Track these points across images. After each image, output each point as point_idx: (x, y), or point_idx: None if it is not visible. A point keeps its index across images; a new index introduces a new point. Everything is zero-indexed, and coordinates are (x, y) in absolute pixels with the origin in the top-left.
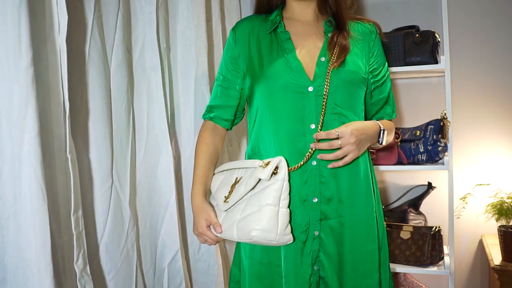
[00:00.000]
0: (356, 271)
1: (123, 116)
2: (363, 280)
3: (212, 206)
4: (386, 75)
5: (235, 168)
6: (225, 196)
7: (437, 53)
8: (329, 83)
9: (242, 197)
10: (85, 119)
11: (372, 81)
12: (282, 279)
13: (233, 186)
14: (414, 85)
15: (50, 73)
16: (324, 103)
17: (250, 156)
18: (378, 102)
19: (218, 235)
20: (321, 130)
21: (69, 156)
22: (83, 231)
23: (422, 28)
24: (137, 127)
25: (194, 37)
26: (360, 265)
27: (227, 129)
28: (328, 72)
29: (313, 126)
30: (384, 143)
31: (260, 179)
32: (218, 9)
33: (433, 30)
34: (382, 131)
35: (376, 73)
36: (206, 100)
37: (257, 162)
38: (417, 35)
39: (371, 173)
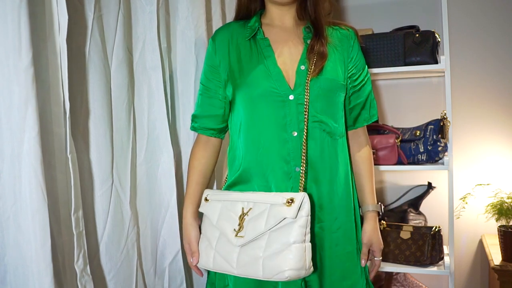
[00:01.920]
0: (335, 273)
1: (124, 116)
2: (342, 281)
3: (198, 228)
4: (366, 79)
5: (237, 201)
6: (235, 230)
7: (437, 53)
8: (308, 92)
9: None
10: (85, 119)
11: (350, 86)
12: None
13: (241, 218)
14: (414, 85)
15: (50, 73)
16: (305, 112)
17: (232, 161)
18: (355, 107)
19: (219, 270)
20: (306, 139)
21: (69, 156)
22: (83, 231)
23: (422, 28)
24: (138, 127)
25: (194, 37)
26: (339, 266)
27: (221, 138)
28: (307, 82)
29: (295, 134)
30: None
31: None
32: (219, 9)
33: (433, 30)
34: (380, 211)
35: (354, 78)
36: None
37: (273, 197)
38: (417, 35)
39: (351, 176)
